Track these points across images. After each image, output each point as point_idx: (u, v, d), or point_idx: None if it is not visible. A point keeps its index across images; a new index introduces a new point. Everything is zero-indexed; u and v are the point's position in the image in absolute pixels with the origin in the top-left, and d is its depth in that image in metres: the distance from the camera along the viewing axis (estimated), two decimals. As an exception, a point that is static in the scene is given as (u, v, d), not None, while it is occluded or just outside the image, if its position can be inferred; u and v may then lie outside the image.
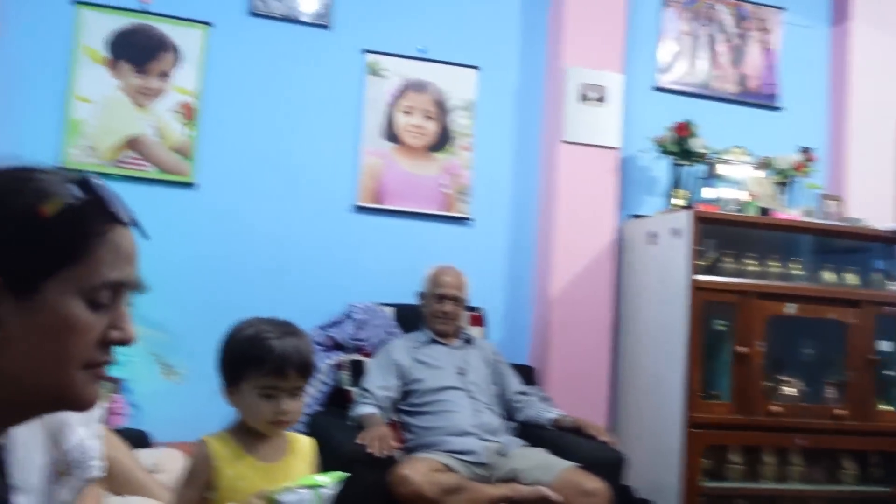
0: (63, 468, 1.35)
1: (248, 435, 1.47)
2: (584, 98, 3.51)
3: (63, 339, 0.77)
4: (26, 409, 0.81)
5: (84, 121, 3.09)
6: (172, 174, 3.19)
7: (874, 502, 3.27)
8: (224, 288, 3.13)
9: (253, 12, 3.33)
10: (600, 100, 3.53)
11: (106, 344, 0.81)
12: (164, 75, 3.20)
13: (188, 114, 3.22)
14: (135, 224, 0.84)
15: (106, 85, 3.13)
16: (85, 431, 1.47)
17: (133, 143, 3.15)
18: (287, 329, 1.49)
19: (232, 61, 3.30)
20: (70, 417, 1.41)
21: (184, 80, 3.22)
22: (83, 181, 0.78)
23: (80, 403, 0.81)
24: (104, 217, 0.79)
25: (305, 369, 1.48)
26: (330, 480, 1.37)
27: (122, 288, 0.82)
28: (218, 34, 3.28)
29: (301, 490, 1.32)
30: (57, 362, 0.77)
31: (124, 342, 0.82)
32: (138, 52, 3.17)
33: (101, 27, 3.13)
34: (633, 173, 3.72)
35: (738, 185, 3.52)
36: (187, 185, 3.20)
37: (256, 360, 1.44)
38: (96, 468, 1.54)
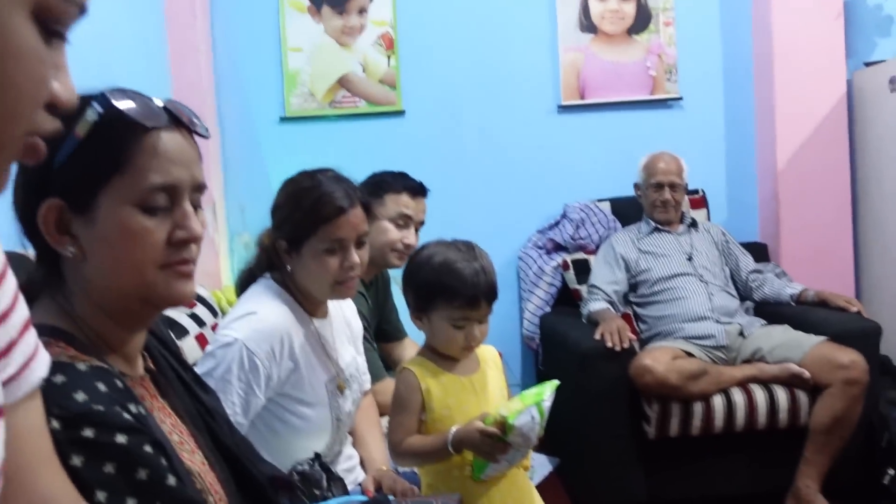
0: (342, 383, 1.56)
1: (440, 355, 1.50)
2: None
3: (127, 246, 0.83)
4: (127, 312, 0.89)
5: (299, 69, 3.34)
6: (382, 105, 3.37)
7: None
8: (442, 207, 3.28)
9: (433, -69, 3.35)
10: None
11: (175, 244, 0.86)
12: (361, 11, 3.34)
13: (388, 44, 3.35)
14: (182, 125, 0.87)
15: (312, 32, 3.34)
16: (353, 350, 1.67)
17: (343, 82, 3.35)
18: (472, 255, 1.47)
19: (420, -17, 3.36)
20: (338, 337, 1.60)
21: (380, 12, 3.34)
22: (103, 97, 0.82)
23: (170, 300, 0.89)
24: (132, 126, 0.83)
25: (493, 295, 1.47)
26: (546, 391, 1.40)
27: (177, 189, 0.86)
28: (403, -40, 3.34)
29: (529, 408, 1.35)
30: (131, 267, 0.84)
31: (190, 241, 0.87)
32: (335, -7, 3.33)
33: (298, -23, 3.32)
34: (861, 15, 3.32)
35: None
36: (397, 113, 3.37)
37: (448, 292, 1.43)
38: (367, 381, 1.75)
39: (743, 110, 3.42)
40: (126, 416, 0.78)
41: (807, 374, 2.46)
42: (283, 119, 3.35)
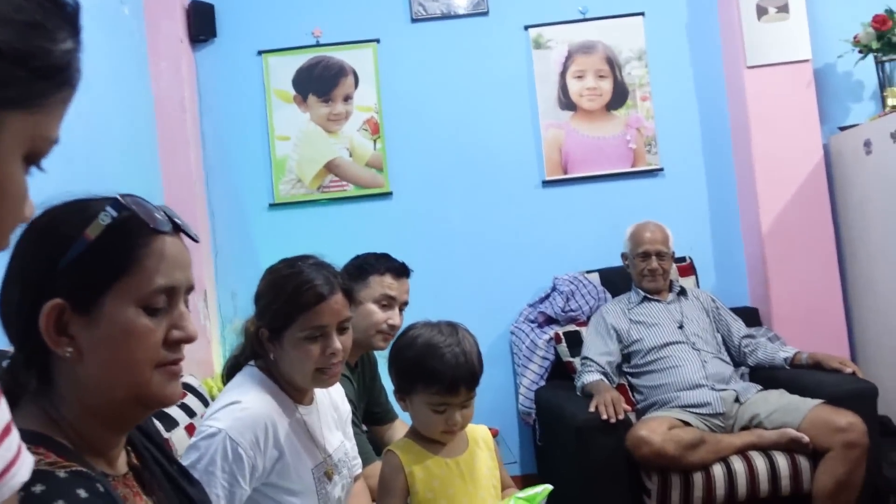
0: (330, 469, 1.54)
1: (426, 437, 1.49)
2: (764, 14, 3.30)
3: (129, 345, 0.85)
4: (118, 414, 0.89)
5: (287, 156, 3.41)
6: (369, 188, 3.43)
7: None
8: (432, 285, 3.30)
9: (414, 19, 3.48)
10: (781, 11, 3.30)
11: (171, 344, 0.89)
12: (347, 98, 3.44)
13: (374, 129, 3.44)
14: (180, 230, 0.91)
15: (299, 120, 3.42)
16: (342, 434, 1.66)
17: (331, 167, 3.42)
18: (456, 338, 1.47)
19: (403, 70, 3.47)
20: (325, 423, 1.59)
21: (364, 98, 3.44)
22: (116, 201, 0.86)
23: (162, 400, 0.90)
24: (143, 229, 0.87)
25: (474, 382, 1.47)
26: (538, 499, 1.38)
27: (176, 291, 0.89)
28: (386, 48, 3.46)
29: None
30: (129, 366, 0.86)
31: (187, 340, 0.90)
32: (321, 83, 3.44)
33: (285, 69, 3.43)
34: (832, 83, 3.43)
35: (961, 70, 3.13)
36: (384, 195, 3.43)
37: (427, 378, 1.44)
38: (358, 466, 1.73)
39: (724, 177, 3.48)
40: None
41: (806, 438, 2.44)
42: (273, 205, 3.40)
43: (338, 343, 1.48)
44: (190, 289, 0.92)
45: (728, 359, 2.88)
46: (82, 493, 0.78)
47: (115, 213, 0.85)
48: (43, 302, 0.83)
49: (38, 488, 0.75)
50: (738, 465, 2.46)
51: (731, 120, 3.46)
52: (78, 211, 0.87)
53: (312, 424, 1.54)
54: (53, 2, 0.59)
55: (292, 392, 1.52)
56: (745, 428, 2.61)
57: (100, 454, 0.89)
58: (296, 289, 1.46)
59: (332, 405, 1.65)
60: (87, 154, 2.34)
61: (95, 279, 0.85)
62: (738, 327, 2.99)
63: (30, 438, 0.78)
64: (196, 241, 0.94)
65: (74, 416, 0.87)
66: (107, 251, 0.85)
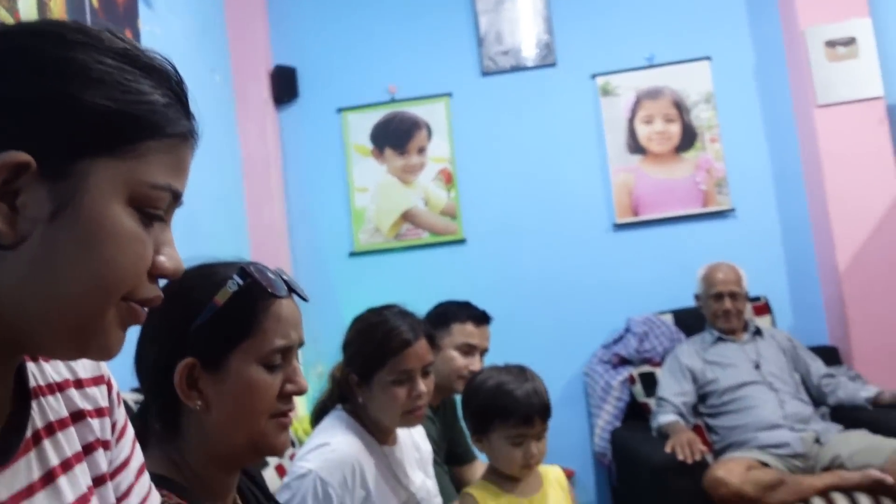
0: (413, 507, 1.63)
1: (502, 476, 1.57)
2: (834, 53, 3.31)
3: (251, 398, 0.95)
4: (236, 458, 0.99)
5: (365, 207, 3.58)
6: (444, 235, 3.56)
7: None
8: (506, 329, 3.38)
9: (484, 73, 3.63)
10: (850, 50, 3.30)
11: (284, 396, 0.98)
12: (421, 150, 3.60)
13: (447, 179, 3.58)
14: (293, 292, 1.01)
15: (376, 172, 3.60)
16: (423, 474, 1.75)
17: (407, 216, 3.57)
18: (525, 376, 1.59)
19: (475, 121, 3.61)
20: (408, 462, 1.69)
21: (438, 149, 3.60)
22: (243, 270, 0.96)
23: (274, 449, 1.00)
24: (264, 295, 0.96)
25: (547, 413, 1.57)
26: None
27: (291, 349, 0.98)
28: (458, 101, 3.62)
29: None
30: (249, 416, 0.96)
31: (299, 392, 1.00)
32: (396, 136, 3.61)
33: (362, 124, 3.62)
34: (907, 118, 3.40)
35: None
36: (458, 241, 3.55)
37: (503, 413, 1.54)
38: (440, 503, 1.81)
39: (797, 215, 3.47)
40: None
41: (890, 479, 2.39)
42: (352, 254, 3.57)
43: (422, 386, 1.58)
44: (301, 344, 1.02)
45: (807, 399, 2.85)
46: None
47: (240, 281, 0.96)
48: (176, 360, 0.94)
49: None
50: (819, 506, 2.43)
51: (803, 159, 3.46)
52: (207, 277, 0.98)
53: (396, 464, 1.63)
54: (141, 61, 0.62)
55: (377, 433, 1.62)
56: (826, 469, 2.57)
57: (215, 496, 1.00)
58: (385, 335, 1.57)
59: (413, 446, 1.75)
60: (184, 209, 2.54)
61: (223, 340, 0.95)
62: (817, 366, 2.96)
63: (156, 481, 0.89)
64: (306, 300, 1.05)
65: (196, 460, 0.98)
66: (233, 316, 0.95)
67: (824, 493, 2.46)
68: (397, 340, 1.56)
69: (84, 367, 0.72)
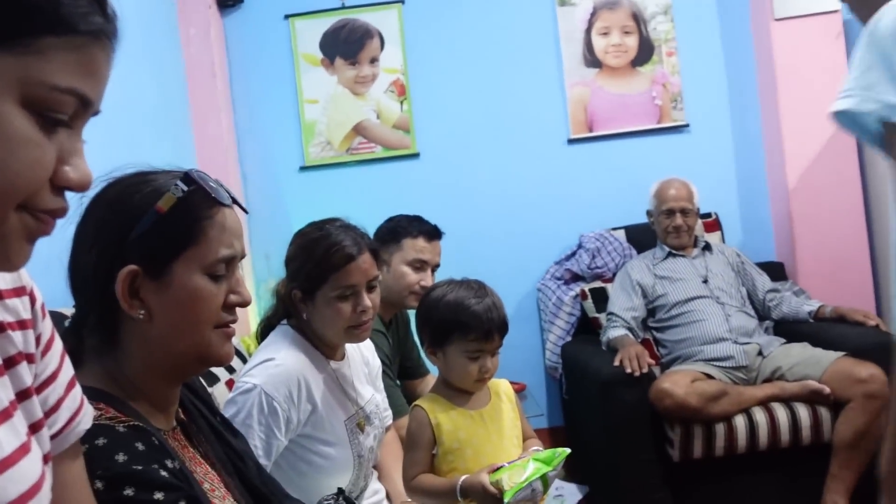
0: (362, 421, 1.63)
1: (453, 389, 1.58)
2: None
3: (195, 308, 0.94)
4: (179, 369, 0.99)
5: (315, 120, 3.47)
6: (397, 149, 3.48)
7: None
8: (460, 244, 3.35)
9: (437, -21, 3.49)
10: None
11: (228, 307, 0.97)
12: (373, 61, 3.48)
13: (400, 90, 3.48)
14: (236, 203, 0.99)
15: (326, 83, 3.48)
16: (372, 388, 1.75)
17: (359, 129, 3.48)
18: (484, 291, 1.57)
19: (428, 31, 3.49)
20: (357, 377, 1.69)
21: (390, 60, 3.48)
22: (186, 176, 0.94)
23: (220, 358, 0.99)
24: (209, 202, 0.94)
25: (505, 328, 1.57)
26: (555, 461, 1.44)
27: (234, 259, 0.97)
28: (411, 8, 3.48)
29: (531, 482, 1.40)
30: (193, 326, 0.95)
31: (242, 304, 0.99)
32: (347, 45, 3.47)
33: (311, 32, 3.47)
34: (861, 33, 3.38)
35: None
36: (412, 156, 3.48)
37: (463, 327, 1.52)
38: (389, 417, 1.82)
39: (751, 132, 3.48)
40: (163, 473, 0.85)
41: (827, 390, 2.48)
42: (303, 168, 3.48)
43: (367, 301, 1.56)
44: (243, 256, 1.00)
45: (752, 313, 2.92)
46: (140, 445, 0.86)
47: (185, 188, 0.93)
48: (117, 268, 0.91)
49: (101, 441, 0.84)
50: (759, 416, 2.52)
51: (759, 75, 3.44)
52: (148, 183, 0.94)
53: (344, 379, 1.62)
54: None
55: (324, 349, 1.61)
56: (767, 380, 2.66)
57: (156, 408, 0.98)
58: (326, 251, 1.54)
59: (363, 360, 1.74)
60: (123, 121, 2.42)
61: (167, 248, 0.93)
62: (762, 281, 3.02)
63: (92, 395, 0.87)
64: (246, 212, 1.03)
65: (136, 372, 0.95)
66: (177, 223, 0.93)
67: (765, 403, 2.55)
68: (340, 255, 1.53)
69: (3, 279, 0.68)
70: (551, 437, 3.38)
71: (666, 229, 3.02)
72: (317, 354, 1.59)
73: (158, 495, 0.83)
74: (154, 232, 0.92)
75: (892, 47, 0.92)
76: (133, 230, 0.91)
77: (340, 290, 1.54)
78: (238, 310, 1.00)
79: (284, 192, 3.49)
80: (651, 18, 3.48)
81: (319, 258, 1.54)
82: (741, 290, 2.99)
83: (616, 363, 2.60)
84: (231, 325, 0.99)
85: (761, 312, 2.97)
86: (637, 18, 3.48)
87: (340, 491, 1.36)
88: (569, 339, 3.19)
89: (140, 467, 0.84)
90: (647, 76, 3.48)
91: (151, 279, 0.93)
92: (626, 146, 3.48)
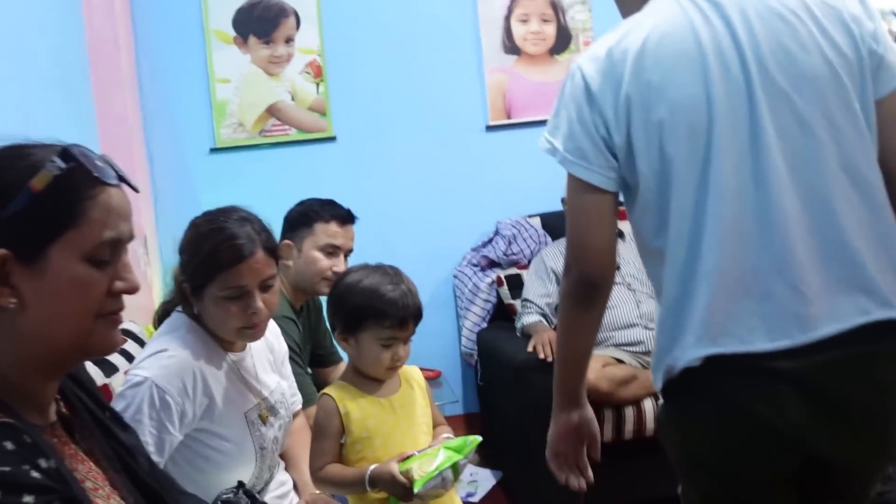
0: (265, 412, 1.57)
1: (362, 377, 1.54)
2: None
3: (75, 297, 0.86)
4: (57, 362, 0.91)
5: (227, 100, 3.36)
6: (312, 132, 3.40)
7: None
8: (376, 229, 3.28)
9: (355, -42, 3.42)
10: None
11: (113, 294, 0.90)
12: (288, 40, 3.38)
13: (316, 72, 3.39)
14: (123, 181, 0.91)
15: (239, 62, 3.36)
16: (277, 376, 1.69)
17: (273, 111, 3.38)
18: (399, 277, 1.54)
19: (346, 11, 3.41)
20: (260, 366, 1.62)
21: (306, 40, 3.39)
22: (65, 152, 0.86)
23: (103, 349, 0.93)
24: (90, 182, 0.86)
25: (419, 316, 1.53)
26: (466, 449, 1.43)
27: (120, 243, 0.90)
28: (328, -12, 3.40)
29: (442, 472, 1.39)
30: (73, 316, 0.87)
31: (130, 291, 0.91)
32: (261, 23, 3.36)
33: (224, 8, 3.34)
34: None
35: None
36: (328, 139, 3.41)
37: (378, 314, 1.48)
38: (297, 404, 1.77)
39: (664, 123, 3.54)
40: (34, 474, 0.78)
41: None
42: (214, 150, 3.36)
43: (259, 303, 1.45)
44: (131, 238, 0.92)
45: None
46: (9, 444, 0.79)
47: (62, 164, 0.84)
48: None
49: None
50: (647, 404, 2.57)
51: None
52: (20, 158, 0.86)
53: (245, 369, 1.56)
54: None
55: (221, 339, 1.53)
56: (676, 365, 2.72)
57: (30, 403, 0.90)
58: (214, 247, 1.43)
59: (267, 348, 1.68)
60: (14, 96, 2.27)
61: (41, 230, 0.84)
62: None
63: None
64: (137, 191, 0.94)
65: (7, 365, 0.87)
66: (53, 203, 0.84)
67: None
68: (229, 253, 1.42)
69: None
70: (466, 424, 3.39)
71: (580, 217, 3.04)
72: (213, 345, 1.51)
73: (28, 499, 0.77)
74: (27, 212, 0.83)
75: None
76: (3, 210, 0.83)
77: (229, 291, 1.44)
78: (142, 297, 0.93)
79: (194, 173, 3.36)
80: (569, 7, 3.50)
81: (206, 255, 1.43)
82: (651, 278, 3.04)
83: (530, 349, 2.61)
84: (118, 313, 0.92)
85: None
86: (555, 7, 3.50)
87: (241, 484, 1.30)
88: (484, 325, 3.20)
89: (7, 469, 0.77)
90: (564, 65, 3.50)
91: (24, 265, 0.84)
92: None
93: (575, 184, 1.18)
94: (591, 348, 1.33)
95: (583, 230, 1.21)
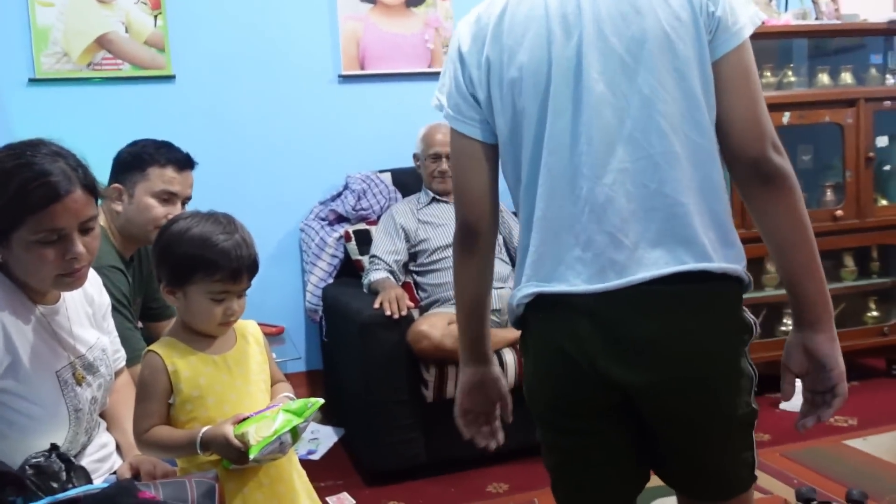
0: (80, 371, 1.42)
1: (193, 333, 1.44)
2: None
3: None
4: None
5: (50, 26, 3.02)
6: (149, 69, 3.15)
7: (874, 294, 3.39)
8: (219, 178, 3.10)
9: None
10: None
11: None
12: (122, -35, 3.08)
13: (155, 3, 3.13)
14: None
15: (65, -15, 3.03)
16: (97, 331, 1.55)
17: (104, 42, 3.09)
18: (233, 226, 1.42)
19: (188, -60, 3.16)
20: (76, 321, 1.47)
21: (143, -33, 3.11)
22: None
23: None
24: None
25: (255, 269, 1.43)
26: (306, 412, 1.37)
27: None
28: (168, -88, 3.12)
29: (279, 436, 1.31)
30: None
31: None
32: (90, -56, 3.05)
33: (46, -77, 3.00)
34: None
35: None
36: (166, 78, 3.16)
37: (209, 266, 1.36)
38: (121, 360, 1.64)
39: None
40: None
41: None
42: (33, 81, 3.03)
43: (80, 247, 1.30)
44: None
45: (507, 259, 3.04)
46: None
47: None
48: None
49: None
50: (508, 356, 2.63)
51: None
52: None
53: (57, 324, 1.40)
54: None
55: (29, 291, 1.37)
56: (517, 323, 2.78)
57: None
58: (22, 185, 1.24)
59: (85, 300, 1.52)
60: None
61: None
62: (518, 230, 3.14)
63: None
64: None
65: None
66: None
67: (514, 344, 2.67)
68: (42, 192, 1.24)
69: None
70: (309, 381, 3.32)
71: (431, 174, 3.03)
72: (20, 296, 1.34)
73: None
74: None
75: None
76: None
77: (43, 235, 1.26)
78: None
79: (10, 107, 3.02)
80: (426, -42, 3.42)
81: (13, 194, 1.24)
82: (498, 236, 3.08)
83: (376, 306, 2.59)
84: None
85: (515, 259, 3.10)
86: (414, -43, 3.41)
87: (54, 447, 1.18)
88: (331, 280, 3.13)
89: None
90: (420, 18, 3.43)
91: None
92: (398, 88, 3.42)
93: (453, 136, 1.27)
94: (485, 298, 1.36)
95: (459, 178, 1.28)
